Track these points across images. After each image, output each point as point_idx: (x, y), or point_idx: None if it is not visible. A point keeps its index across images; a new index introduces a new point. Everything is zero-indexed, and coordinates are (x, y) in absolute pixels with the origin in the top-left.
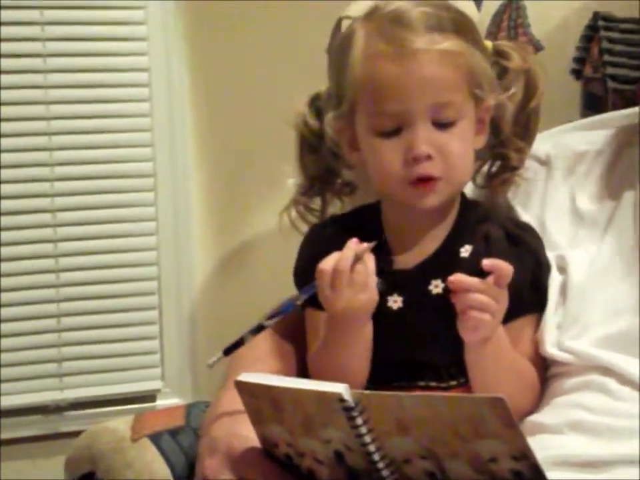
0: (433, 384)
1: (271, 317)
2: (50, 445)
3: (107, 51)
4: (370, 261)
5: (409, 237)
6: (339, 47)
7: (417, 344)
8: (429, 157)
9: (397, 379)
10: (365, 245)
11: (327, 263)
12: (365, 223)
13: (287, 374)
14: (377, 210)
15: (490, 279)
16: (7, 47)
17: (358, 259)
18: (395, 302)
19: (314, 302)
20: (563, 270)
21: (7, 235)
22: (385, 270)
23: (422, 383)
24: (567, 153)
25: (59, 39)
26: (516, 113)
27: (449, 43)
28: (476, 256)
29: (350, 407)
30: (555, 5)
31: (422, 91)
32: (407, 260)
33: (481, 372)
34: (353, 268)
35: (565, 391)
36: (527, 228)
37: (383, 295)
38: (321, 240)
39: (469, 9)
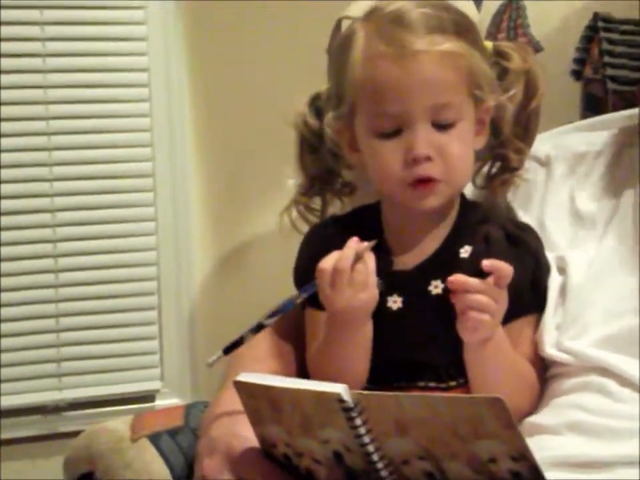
0: (432, 384)
1: (270, 315)
2: (49, 445)
3: (107, 51)
4: (370, 260)
5: (408, 237)
6: (339, 47)
7: (417, 344)
8: (428, 158)
9: (396, 379)
10: (366, 243)
11: (328, 262)
12: (365, 223)
13: (286, 374)
14: (376, 210)
15: (490, 279)
16: (6, 46)
17: (358, 258)
18: (395, 302)
19: (314, 302)
20: (562, 271)
21: (6, 235)
22: (384, 270)
23: (421, 384)
24: (566, 153)
25: (58, 39)
26: (516, 113)
27: (449, 44)
28: (476, 257)
29: (349, 408)
30: (555, 5)
31: (422, 92)
32: (406, 260)
33: (481, 372)
34: (353, 267)
35: (563, 391)
36: (526, 229)
37: (383, 295)
38: (321, 240)
39: (469, 9)
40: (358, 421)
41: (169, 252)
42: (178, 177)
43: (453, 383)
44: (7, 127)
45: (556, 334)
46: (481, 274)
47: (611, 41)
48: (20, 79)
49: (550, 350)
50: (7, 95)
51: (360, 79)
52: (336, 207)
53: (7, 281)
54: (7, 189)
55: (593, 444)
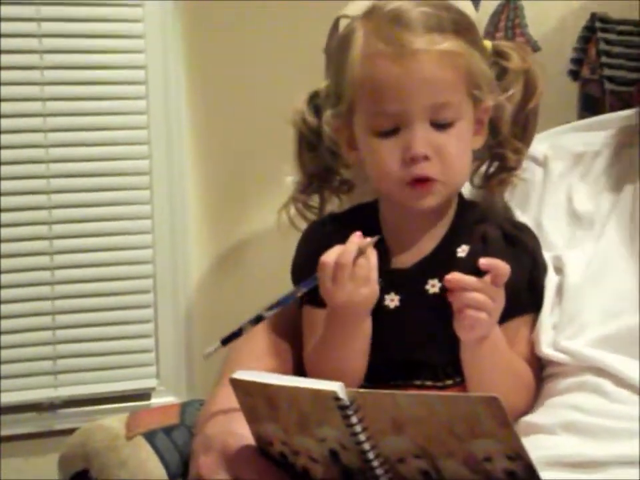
0: (429, 383)
1: (270, 308)
2: (44, 443)
3: (104, 48)
4: (373, 256)
5: (406, 236)
6: (338, 45)
7: (413, 343)
8: (426, 158)
9: (392, 377)
10: (369, 239)
11: (330, 256)
12: (363, 221)
13: (283, 372)
14: (374, 209)
15: (487, 277)
16: (2, 43)
17: (361, 253)
18: (392, 301)
19: (311, 299)
20: (559, 270)
21: (2, 232)
22: (382, 268)
23: (418, 382)
24: (564, 153)
25: (55, 36)
26: (514, 113)
27: (448, 44)
28: (473, 256)
29: (345, 406)
30: (552, 5)
31: (421, 91)
32: (404, 259)
33: (477, 371)
34: (355, 262)
35: (559, 391)
36: (524, 228)
37: (380, 293)
38: (319, 237)
39: (467, 8)
40: (354, 419)
41: (165, 250)
42: (175, 174)
43: (449, 382)
44: (3, 123)
45: (553, 333)
46: (478, 273)
47: (608, 42)
48: (17, 76)
49: (546, 349)
50: (4, 91)
51: (359, 78)
52: (334, 205)
53: (2, 278)
54: (3, 185)
55: (588, 444)
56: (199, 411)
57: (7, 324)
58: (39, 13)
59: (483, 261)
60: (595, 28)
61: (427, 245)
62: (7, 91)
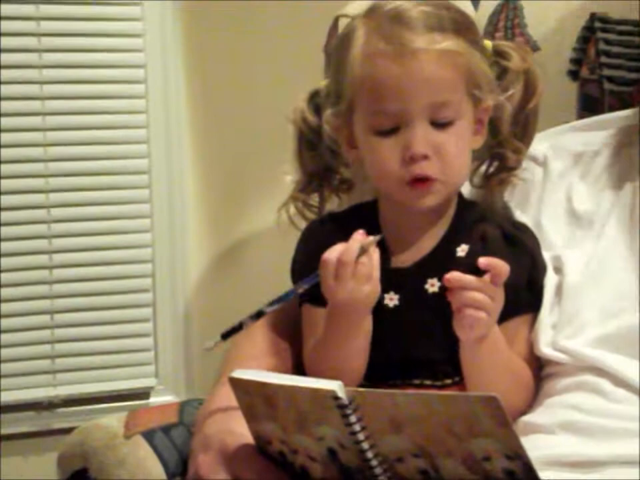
0: (428, 382)
1: (271, 303)
2: (42, 442)
3: (103, 47)
4: (375, 254)
5: (405, 235)
6: (339, 44)
7: (412, 342)
8: (425, 157)
9: (391, 376)
10: (371, 237)
11: (332, 253)
12: (363, 220)
13: (283, 371)
14: (374, 208)
15: (486, 277)
16: (2, 42)
17: (363, 251)
18: (391, 300)
19: (311, 298)
20: (558, 270)
21: (0, 230)
22: (381, 268)
23: (417, 381)
24: (563, 153)
25: (54, 35)
26: (515, 113)
27: (448, 43)
28: (472, 255)
29: (344, 405)
30: (551, 5)
31: (420, 91)
32: (403, 258)
33: (476, 371)
34: (357, 260)
35: (558, 391)
36: (523, 228)
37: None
38: (319, 236)
39: (466, 8)
40: (352, 418)
41: (165, 249)
42: (174, 173)
43: (448, 381)
44: (3, 122)
45: (552, 333)
46: (478, 272)
47: (607, 42)
48: (16, 74)
49: (545, 349)
50: (2, 90)
51: (359, 77)
52: (334, 204)
53: (1, 277)
54: (3, 184)
55: (587, 443)
56: (198, 409)
57: (5, 323)
58: (38, 11)
59: (483, 261)
60: (595, 28)
61: (427, 244)
62: (6, 89)
